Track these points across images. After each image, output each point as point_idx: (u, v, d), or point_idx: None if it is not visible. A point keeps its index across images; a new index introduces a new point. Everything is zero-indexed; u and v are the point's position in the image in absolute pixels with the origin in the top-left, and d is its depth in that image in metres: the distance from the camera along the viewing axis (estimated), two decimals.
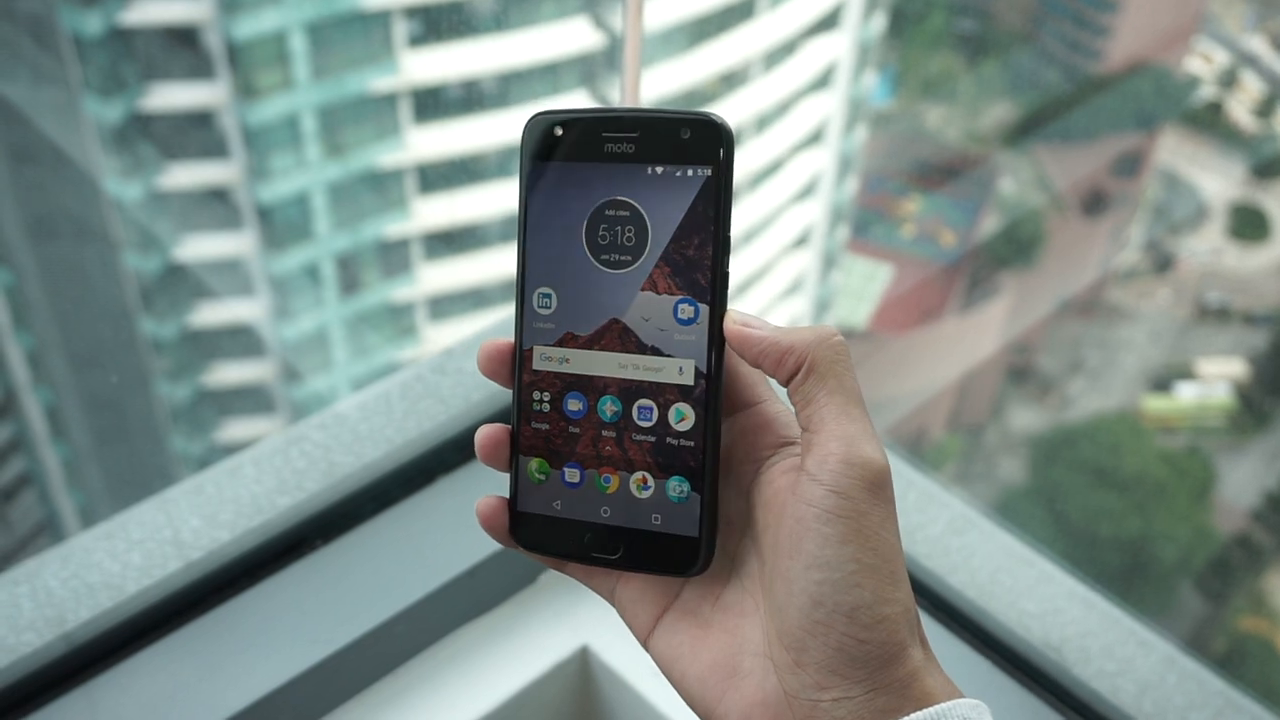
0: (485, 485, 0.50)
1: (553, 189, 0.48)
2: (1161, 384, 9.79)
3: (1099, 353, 10.07)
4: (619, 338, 0.47)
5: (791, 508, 0.44)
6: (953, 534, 0.92)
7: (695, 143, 0.46)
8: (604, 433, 0.48)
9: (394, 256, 7.35)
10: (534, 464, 0.48)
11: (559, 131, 0.48)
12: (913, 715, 0.42)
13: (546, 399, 0.48)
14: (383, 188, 7.16)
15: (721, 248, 0.46)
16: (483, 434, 0.49)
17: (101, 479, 5.80)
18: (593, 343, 0.48)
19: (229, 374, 6.83)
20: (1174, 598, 8.17)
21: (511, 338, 0.49)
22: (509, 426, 0.49)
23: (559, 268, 0.48)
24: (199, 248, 7.07)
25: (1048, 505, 8.87)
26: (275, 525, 0.87)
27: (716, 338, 0.46)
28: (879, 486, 0.43)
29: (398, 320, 7.47)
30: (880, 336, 10.64)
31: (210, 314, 6.94)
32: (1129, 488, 8.64)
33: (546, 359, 0.48)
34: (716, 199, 0.46)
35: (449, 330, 7.52)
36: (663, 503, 0.47)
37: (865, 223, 11.19)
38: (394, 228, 7.30)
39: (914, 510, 0.93)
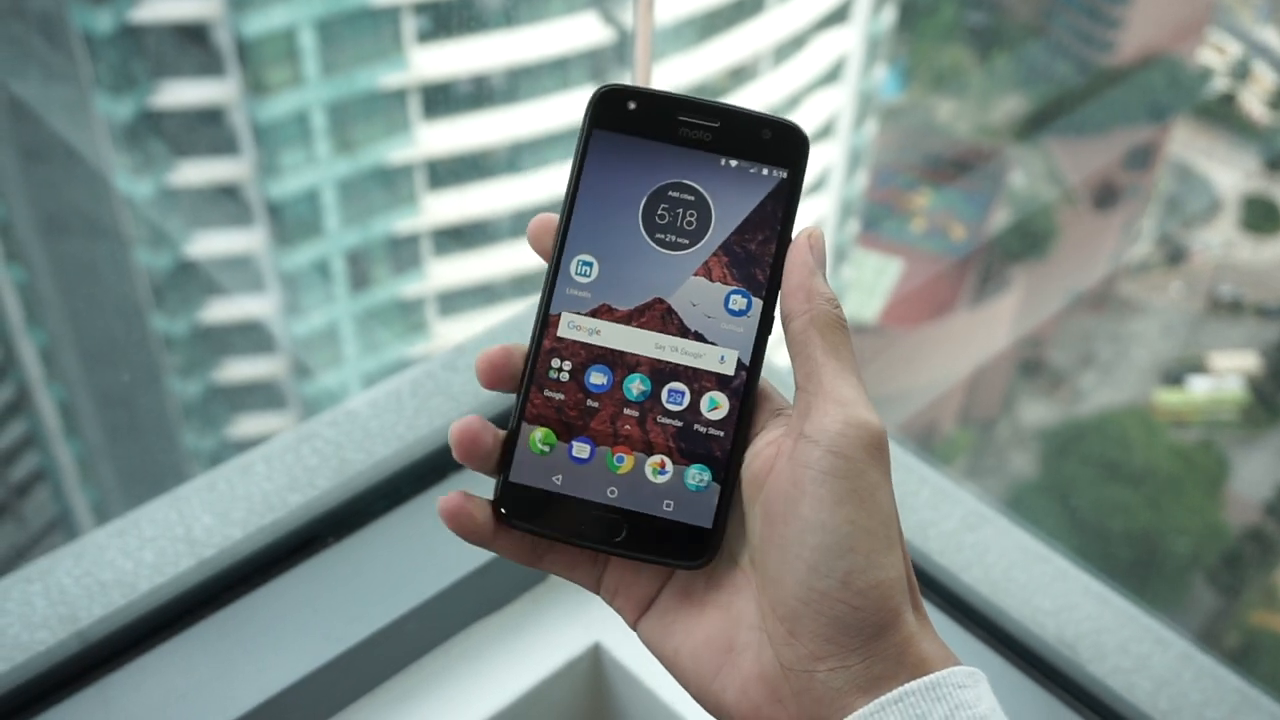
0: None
1: (614, 160, 0.47)
2: (1173, 377, 9.74)
3: (1111, 346, 10.03)
4: (661, 318, 0.47)
5: (786, 473, 0.43)
6: (966, 530, 0.92)
7: (775, 144, 0.47)
8: (626, 411, 0.46)
9: (404, 252, 7.35)
10: (539, 434, 0.46)
11: (632, 105, 0.47)
12: (908, 684, 0.41)
13: (567, 368, 0.47)
14: (392, 184, 7.16)
15: (784, 249, 0.47)
16: (458, 428, 0.45)
17: (114, 475, 5.82)
18: (631, 318, 0.47)
19: (240, 370, 6.84)
20: (1186, 592, 8.15)
21: (501, 344, 0.47)
22: (485, 420, 0.46)
23: (607, 238, 0.47)
24: (209, 244, 7.08)
25: (1059, 499, 8.85)
26: (287, 523, 0.87)
27: (764, 333, 0.46)
28: (877, 449, 0.43)
29: (408, 316, 7.47)
30: (891, 331, 10.62)
31: (221, 310, 6.95)
32: (1141, 481, 8.61)
33: (575, 328, 0.47)
34: (788, 202, 0.47)
35: (459, 326, 7.52)
36: (678, 489, 0.46)
37: (875, 217, 11.16)
38: (404, 223, 7.30)
39: (927, 506, 0.93)
